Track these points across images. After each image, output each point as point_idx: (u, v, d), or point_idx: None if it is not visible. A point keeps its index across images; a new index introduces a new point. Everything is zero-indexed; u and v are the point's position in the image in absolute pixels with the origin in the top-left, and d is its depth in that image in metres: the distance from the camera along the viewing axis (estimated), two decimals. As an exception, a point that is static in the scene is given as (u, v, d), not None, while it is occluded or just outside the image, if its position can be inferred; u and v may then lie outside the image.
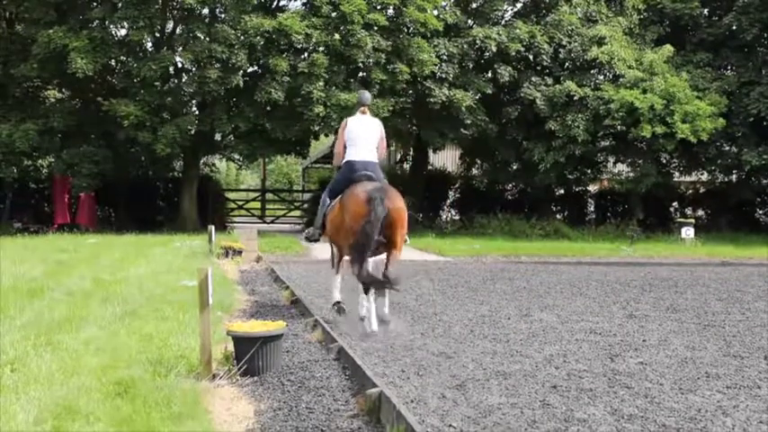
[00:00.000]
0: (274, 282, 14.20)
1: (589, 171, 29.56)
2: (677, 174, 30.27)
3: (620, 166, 29.72)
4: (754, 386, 6.96)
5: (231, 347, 7.33)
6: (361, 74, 25.13)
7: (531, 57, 26.42)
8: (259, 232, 20.00)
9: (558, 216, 30.74)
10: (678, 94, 24.78)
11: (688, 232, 24.22)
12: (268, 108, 24.33)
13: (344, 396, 6.50)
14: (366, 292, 9.43)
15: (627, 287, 14.46)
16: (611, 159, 29.55)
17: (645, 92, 24.96)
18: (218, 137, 27.05)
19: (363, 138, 10.46)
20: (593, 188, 32.37)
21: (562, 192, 31.21)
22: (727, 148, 27.54)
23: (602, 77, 27.61)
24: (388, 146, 30.28)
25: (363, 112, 10.70)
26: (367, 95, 11.13)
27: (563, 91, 25.45)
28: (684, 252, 21.95)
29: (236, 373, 6.95)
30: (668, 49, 26.18)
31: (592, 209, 32.33)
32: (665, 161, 28.76)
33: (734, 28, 27.31)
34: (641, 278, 16.15)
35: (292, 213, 38.50)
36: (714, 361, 7.99)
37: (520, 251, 20.92)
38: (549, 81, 26.25)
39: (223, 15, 24.99)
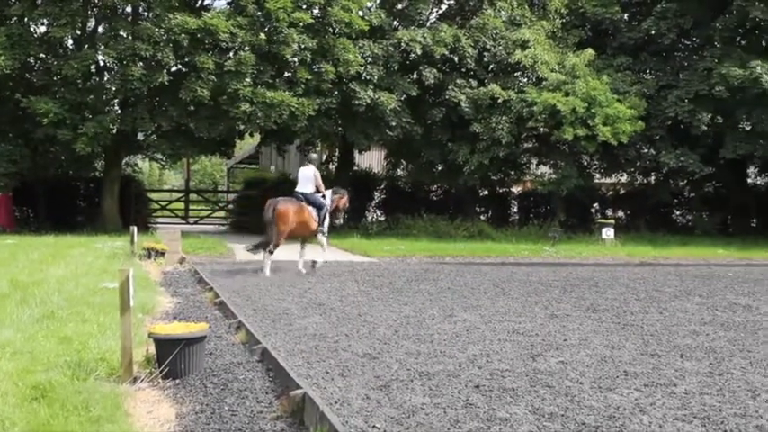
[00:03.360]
0: (198, 283, 14.07)
1: (513, 172, 29.89)
2: (598, 175, 30.79)
3: (543, 168, 30.09)
4: (670, 384, 7.13)
5: (153, 350, 7.26)
6: (287, 73, 25.01)
7: (456, 59, 26.59)
8: (183, 233, 19.77)
9: (482, 217, 31.02)
10: (599, 97, 25.20)
11: (608, 233, 24.65)
12: (192, 107, 24.06)
13: (268, 398, 6.48)
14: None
15: (549, 287, 14.67)
16: (534, 161, 29.90)
17: (567, 95, 25.32)
18: (140, 136, 26.63)
19: (305, 178, 17.05)
20: (516, 189, 32.72)
21: (486, 193, 31.50)
22: (646, 151, 28.09)
23: (525, 80, 27.91)
24: (314, 146, 30.37)
25: (306, 165, 17.46)
26: (313, 156, 18.65)
27: (487, 93, 25.67)
28: (605, 252, 22.35)
29: (157, 376, 6.88)
30: (590, 52, 26.60)
31: (515, 210, 32.67)
32: (586, 163, 29.23)
33: (652, 33, 27.89)
34: (563, 278, 16.40)
35: (217, 214, 38.14)
36: (632, 359, 8.16)
37: (444, 252, 21.06)
38: (474, 84, 26.44)
39: (147, 13, 24.63)
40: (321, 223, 16.91)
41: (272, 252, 16.16)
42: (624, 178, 32.11)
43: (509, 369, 7.60)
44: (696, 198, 31.89)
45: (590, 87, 25.29)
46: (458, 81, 26.30)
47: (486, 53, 26.66)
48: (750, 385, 7.12)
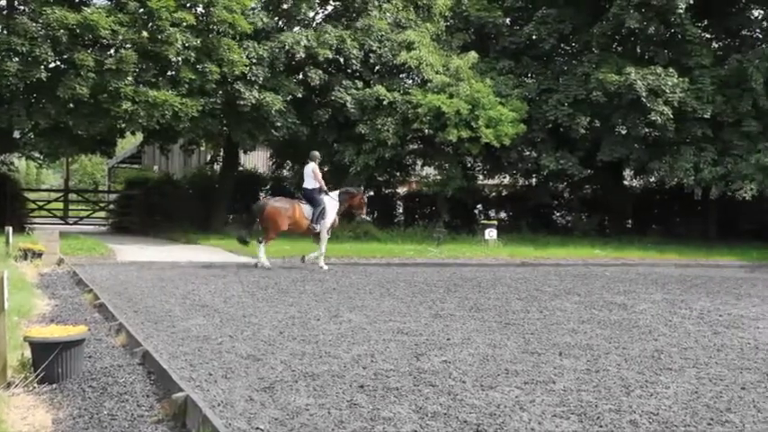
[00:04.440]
0: (77, 285, 13.71)
1: (398, 173, 30.15)
2: (481, 177, 31.31)
3: (428, 169, 30.42)
4: (549, 381, 7.30)
5: (29, 354, 7.03)
6: (170, 72, 24.56)
7: (341, 60, 26.63)
8: (61, 234, 19.23)
9: (368, 218, 31.13)
10: (482, 99, 25.61)
11: (491, 234, 25.06)
12: (71, 105, 23.37)
13: (149, 401, 6.36)
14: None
15: (433, 287, 14.83)
16: (419, 162, 30.20)
17: (451, 97, 25.66)
18: (16, 134, 25.77)
19: (306, 175, 18.35)
20: (401, 190, 32.98)
21: (372, 194, 31.63)
22: (528, 153, 28.66)
23: (410, 82, 28.18)
24: (198, 146, 29.99)
25: (307, 162, 18.57)
26: (315, 154, 18.92)
27: (373, 95, 25.80)
28: (487, 253, 22.72)
29: (33, 381, 6.67)
30: (473, 55, 27.00)
31: (400, 210, 32.93)
32: (470, 165, 29.69)
33: (533, 38, 28.54)
34: (447, 279, 16.61)
35: (97, 214, 37.22)
36: (513, 358, 8.32)
37: (330, 252, 21.03)
38: (360, 85, 26.52)
39: (23, 8, 23.84)
40: (315, 221, 17.93)
41: (260, 243, 17.88)
42: (506, 180, 32.75)
43: (393, 369, 7.65)
44: (575, 200, 32.76)
45: (473, 90, 25.69)
46: (344, 82, 26.33)
47: (371, 54, 26.78)
48: (625, 381, 7.35)
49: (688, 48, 26.97)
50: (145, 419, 5.92)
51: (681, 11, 25.84)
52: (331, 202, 18.33)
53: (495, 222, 27.09)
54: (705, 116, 25.86)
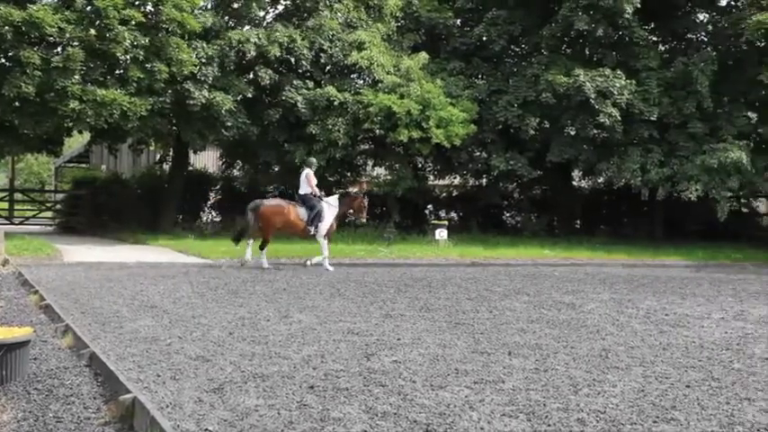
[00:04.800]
0: (22, 286, 13.51)
1: (349, 174, 30.12)
2: (432, 177, 31.43)
3: (379, 170, 30.45)
4: (498, 380, 7.34)
5: (-28, 357, 6.91)
6: (118, 71, 24.27)
7: (292, 60, 26.53)
8: (6, 234, 18.92)
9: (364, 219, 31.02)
10: (433, 100, 25.71)
11: (441, 234, 25.14)
12: (17, 103, 23.00)
13: (96, 403, 6.29)
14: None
15: (384, 288, 14.84)
16: (370, 162, 30.22)
17: (402, 97, 25.71)
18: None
19: (301, 181, 18.85)
20: (352, 190, 32.92)
21: (323, 194, 31.53)
22: (478, 154, 28.83)
23: (361, 82, 28.18)
24: (147, 146, 29.69)
25: (313, 168, 19.13)
26: (311, 160, 19.82)
27: (324, 95, 25.74)
28: (438, 253, 22.78)
29: (-23, 384, 6.56)
30: (424, 56, 27.10)
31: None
32: (420, 165, 29.79)
33: (484, 39, 28.71)
34: (397, 279, 16.64)
35: (44, 214, 36.62)
36: (463, 358, 8.36)
37: (281, 253, 20.95)
38: (311, 85, 26.45)
39: (-35, 3, 23.42)
40: (312, 224, 18.40)
41: (261, 248, 18.40)
42: (457, 180, 32.88)
43: (343, 369, 7.65)
44: (525, 200, 33.02)
45: (424, 90, 25.77)
46: (294, 82, 26.25)
47: (322, 54, 26.72)
48: (573, 380, 7.42)
49: (635, 50, 27.35)
50: (91, 422, 5.85)
51: (628, 14, 26.19)
52: (329, 207, 18.78)
53: (446, 223, 27.16)
54: (652, 118, 26.25)
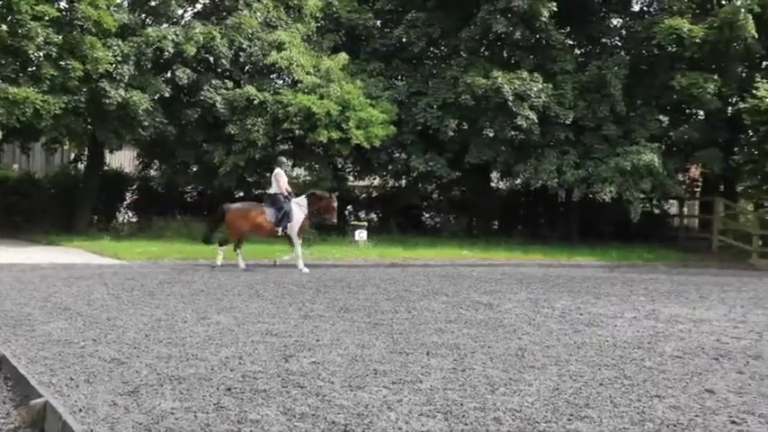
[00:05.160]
0: (-71, 289, 13.12)
1: (268, 174, 29.89)
2: (352, 178, 31.45)
3: (299, 170, 30.34)
4: (416, 380, 7.39)
5: None
6: (31, 68, 23.70)
7: (211, 59, 26.28)
8: None
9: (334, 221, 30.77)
10: (353, 101, 25.72)
11: (361, 234, 25.17)
12: None
13: (5, 408, 6.16)
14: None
15: (303, 289, 14.80)
16: (290, 163, 30.09)
17: (322, 98, 25.65)
18: None
19: (272, 182, 18.95)
20: (272, 191, 32.71)
21: (242, 194, 31.29)
22: (398, 155, 28.94)
23: (281, 82, 28.05)
24: (61, 144, 29.06)
25: (284, 170, 19.34)
26: (281, 159, 20.91)
27: (243, 95, 25.55)
28: (357, 254, 22.82)
29: None
30: (344, 57, 27.11)
31: (271, 212, 32.66)
32: (340, 166, 29.79)
33: (403, 40, 28.82)
34: (317, 280, 16.61)
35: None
36: (382, 358, 8.39)
37: (199, 254, 20.76)
38: (230, 84, 26.24)
39: None
40: (279, 224, 18.52)
41: (235, 250, 18.66)
42: (377, 181, 32.93)
43: (261, 371, 7.61)
44: (444, 201, 33.24)
45: (344, 91, 25.78)
46: (213, 81, 26.00)
47: (241, 54, 26.52)
48: (489, 380, 7.51)
49: (552, 53, 27.81)
50: (0, 427, 5.71)
51: (544, 17, 26.60)
52: (298, 207, 18.80)
53: (365, 223, 27.19)
54: (567, 121, 26.71)
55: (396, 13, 30.43)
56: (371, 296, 13.96)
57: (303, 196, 19.42)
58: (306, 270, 18.23)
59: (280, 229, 18.65)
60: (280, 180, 18.96)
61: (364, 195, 33.68)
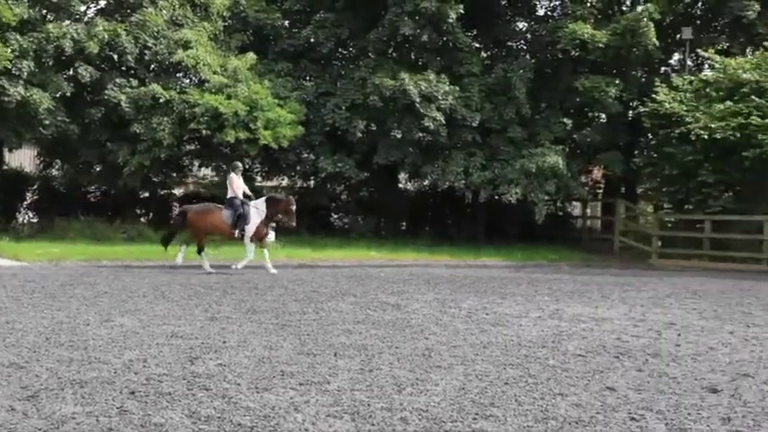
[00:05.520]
0: None
1: (174, 174, 29.57)
2: (260, 178, 31.24)
3: (206, 171, 30.03)
4: (324, 382, 7.38)
5: None
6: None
7: (115, 57, 25.81)
8: None
9: (142, 219, 30.32)
10: (261, 101, 25.57)
11: (269, 236, 24.96)
12: None
13: None
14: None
15: (210, 290, 14.65)
16: (197, 163, 29.78)
17: (229, 97, 25.44)
18: None
19: (240, 186, 19.05)
20: (178, 191, 32.35)
21: (147, 195, 30.84)
22: (306, 156, 28.92)
23: (188, 81, 27.74)
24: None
25: (237, 174, 19.23)
26: (235, 164, 20.03)
27: (148, 93, 25.16)
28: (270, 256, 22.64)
29: None
30: (251, 56, 26.93)
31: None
32: (248, 166, 29.54)
33: (312, 41, 28.78)
34: (224, 281, 16.46)
35: None
36: (289, 359, 8.36)
37: (102, 255, 20.39)
38: (135, 83, 25.82)
39: None
40: (236, 227, 18.74)
41: (199, 252, 18.91)
42: (285, 182, 32.81)
43: (166, 373, 7.50)
44: (352, 202, 33.27)
45: (252, 91, 25.61)
46: (117, 80, 25.55)
47: (147, 52, 26.12)
48: (397, 380, 7.55)
49: (459, 56, 28.10)
50: None
51: (452, 19, 26.87)
52: (256, 210, 18.89)
53: (274, 224, 26.98)
54: (474, 123, 27.03)
55: (304, 14, 30.37)
56: (279, 297, 13.89)
57: (262, 200, 19.45)
58: (241, 266, 18.56)
59: (236, 232, 18.79)
60: (232, 184, 19.12)
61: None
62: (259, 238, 19.07)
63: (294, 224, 20.14)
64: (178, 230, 19.65)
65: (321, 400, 6.71)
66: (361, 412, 6.38)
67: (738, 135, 23.75)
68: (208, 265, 18.54)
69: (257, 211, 18.94)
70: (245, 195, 19.34)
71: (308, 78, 29.62)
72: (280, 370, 7.82)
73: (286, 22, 30.40)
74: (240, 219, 18.68)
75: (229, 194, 19.16)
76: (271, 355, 8.58)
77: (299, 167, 29.41)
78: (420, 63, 28.89)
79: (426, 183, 31.63)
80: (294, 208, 19.49)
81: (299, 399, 6.74)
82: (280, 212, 19.43)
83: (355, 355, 8.68)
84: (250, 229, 18.81)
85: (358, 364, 8.21)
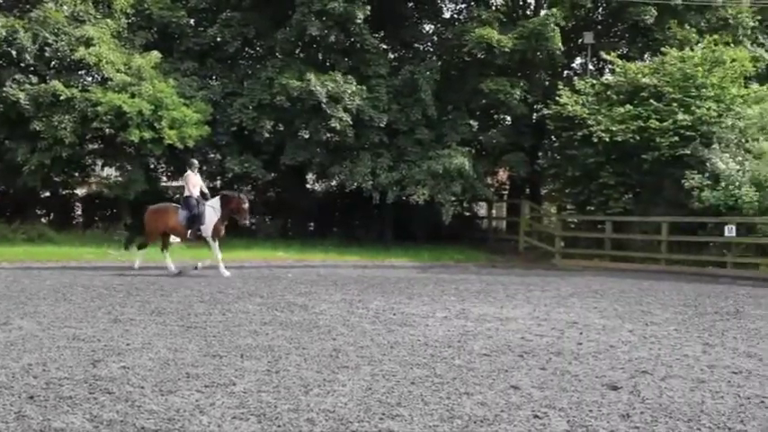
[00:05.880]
0: None
1: (77, 174, 28.93)
2: (165, 178, 30.81)
3: (109, 170, 29.46)
4: (230, 384, 7.32)
5: None
6: None
7: (13, 53, 25.11)
8: None
9: (42, 219, 29.57)
10: (166, 99, 25.20)
11: (174, 237, 24.63)
12: None
13: None
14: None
15: (113, 292, 14.40)
16: (100, 162, 29.20)
17: (133, 96, 24.99)
18: None
19: (196, 184, 18.84)
20: (80, 191, 31.65)
21: (48, 194, 30.08)
22: (212, 156, 28.63)
23: (90, 79, 27.17)
24: None
25: (194, 171, 19.01)
26: (191, 161, 19.81)
27: (49, 90, 24.54)
28: (171, 256, 22.29)
29: None
30: (156, 55, 26.50)
31: (79, 213, 31.57)
32: (153, 166, 29.11)
33: (218, 40, 28.48)
34: (128, 282, 16.20)
35: None
36: (195, 361, 8.26)
37: (0, 257, 19.82)
38: (35, 80, 25.17)
39: None
40: (191, 227, 18.65)
41: (162, 250, 19.07)
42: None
43: (67, 377, 7.34)
44: (260, 202, 33.03)
45: (157, 90, 25.21)
46: (16, 76, 24.87)
47: (47, 48, 25.48)
48: (304, 381, 7.52)
49: (366, 57, 28.15)
50: None
51: (359, 20, 26.91)
52: (212, 210, 18.69)
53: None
54: (381, 124, 27.12)
55: (210, 12, 29.98)
56: (185, 299, 13.73)
57: (216, 198, 19.28)
58: (227, 273, 18.29)
59: (189, 232, 18.72)
60: (189, 182, 18.99)
61: (178, 196, 33.01)
62: (218, 235, 18.87)
63: (247, 222, 19.99)
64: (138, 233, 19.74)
65: (227, 402, 6.65)
66: (267, 414, 6.35)
67: (638, 138, 24.40)
68: (172, 266, 18.54)
69: (213, 210, 18.81)
70: (201, 194, 19.14)
71: (214, 78, 29.31)
72: (185, 372, 7.73)
73: (191, 21, 29.99)
74: (195, 219, 18.54)
75: (186, 193, 19.04)
76: (175, 357, 8.47)
77: (205, 168, 29.03)
78: (328, 64, 28.87)
79: (334, 183, 31.62)
80: (246, 206, 19.36)
81: (205, 401, 6.67)
82: (233, 210, 19.24)
83: (262, 357, 8.63)
84: (207, 227, 18.70)
85: (265, 366, 8.16)
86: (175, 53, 28.65)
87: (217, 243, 18.83)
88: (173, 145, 25.22)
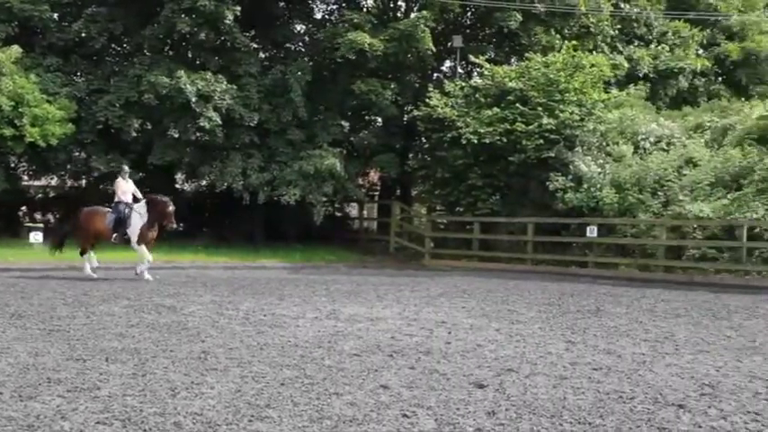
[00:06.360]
0: None
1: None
2: (26, 177, 29.83)
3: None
4: (94, 388, 7.14)
5: None
6: None
7: None
8: None
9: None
10: (27, 96, 24.40)
11: (37, 237, 23.88)
12: None
13: None
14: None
15: (-30, 295, 13.85)
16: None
17: (-7, 92, 24.13)
18: None
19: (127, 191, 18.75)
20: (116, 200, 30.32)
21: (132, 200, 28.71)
22: (77, 154, 27.92)
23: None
24: None
25: (124, 177, 19.00)
26: (122, 167, 19.93)
27: None
28: (34, 257, 21.65)
29: None
30: (17, 49, 25.54)
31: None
32: (13, 164, 28.14)
33: (83, 35, 27.73)
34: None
35: None
36: (57, 366, 8.03)
37: None
38: None
39: None
40: (116, 230, 18.35)
41: (81, 254, 18.64)
42: (54, 181, 31.49)
43: None
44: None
45: (17, 86, 24.39)
46: None
47: None
48: (171, 384, 7.40)
49: (237, 56, 27.90)
50: None
51: (229, 20, 26.64)
52: (138, 215, 18.33)
53: (42, 225, 25.88)
54: (252, 124, 26.91)
55: (75, 7, 29.09)
56: (47, 301, 13.33)
57: (142, 203, 18.80)
58: (149, 278, 17.92)
59: (115, 236, 18.42)
60: (118, 188, 18.86)
61: (41, 196, 32.05)
62: (145, 241, 18.43)
63: (174, 225, 19.38)
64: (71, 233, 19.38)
65: (90, 407, 6.48)
66: (132, 418, 6.21)
67: (505, 140, 25.01)
68: (89, 269, 18.29)
69: (140, 215, 18.46)
70: (135, 199, 18.83)
71: (79, 74, 28.54)
72: (46, 377, 7.50)
73: (55, 15, 29.01)
74: (121, 223, 18.25)
75: (116, 199, 18.85)
76: (36, 361, 8.21)
77: (69, 166, 28.29)
78: (198, 62, 28.48)
79: (204, 183, 31.19)
80: (172, 209, 18.84)
81: (67, 406, 6.48)
82: (159, 214, 18.66)
83: (128, 360, 8.45)
84: (133, 232, 18.36)
85: (131, 369, 7.99)
86: (38, 48, 27.71)
87: (143, 247, 18.31)
88: (35, 143, 24.39)
